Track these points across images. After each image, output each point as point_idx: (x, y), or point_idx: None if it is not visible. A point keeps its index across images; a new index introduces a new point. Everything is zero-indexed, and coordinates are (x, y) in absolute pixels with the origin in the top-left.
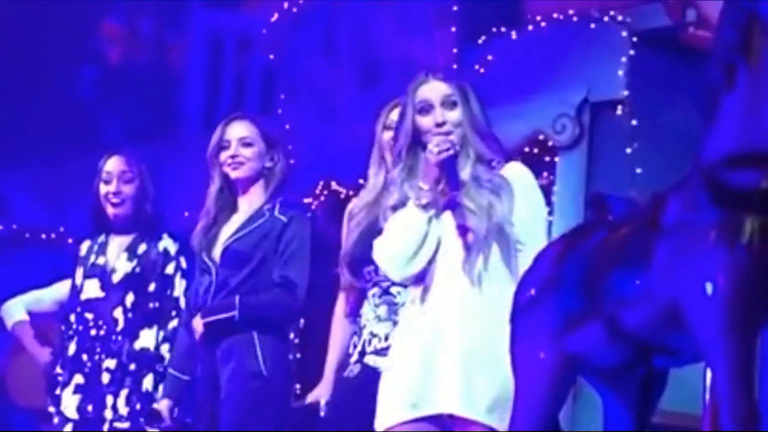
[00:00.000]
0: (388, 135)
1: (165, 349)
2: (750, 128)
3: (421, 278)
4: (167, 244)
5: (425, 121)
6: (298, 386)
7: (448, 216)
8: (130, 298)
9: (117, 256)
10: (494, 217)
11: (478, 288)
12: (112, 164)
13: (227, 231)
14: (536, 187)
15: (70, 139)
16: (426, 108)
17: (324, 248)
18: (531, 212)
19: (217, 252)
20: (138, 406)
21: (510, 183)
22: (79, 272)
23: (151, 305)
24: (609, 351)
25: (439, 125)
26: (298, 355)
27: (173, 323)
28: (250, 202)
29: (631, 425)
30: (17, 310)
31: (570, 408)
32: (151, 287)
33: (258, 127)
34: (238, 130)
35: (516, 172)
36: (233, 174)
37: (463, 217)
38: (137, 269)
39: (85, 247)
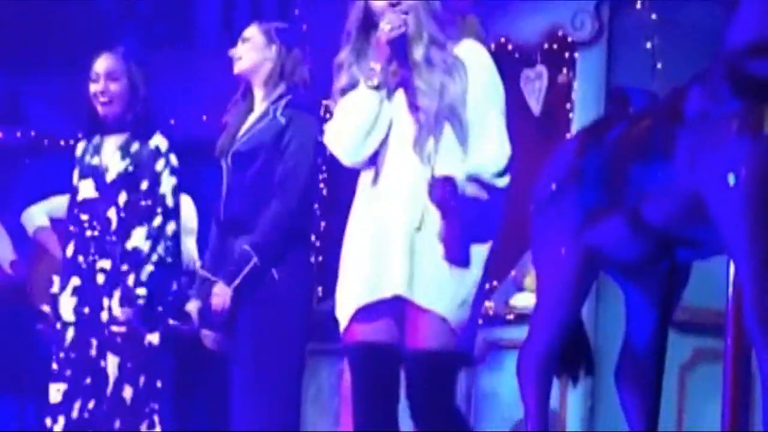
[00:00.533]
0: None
1: (148, 245)
2: None
3: (372, 161)
4: (158, 141)
5: (378, 1)
6: (320, 289)
7: (399, 96)
8: (122, 198)
9: (111, 156)
10: (446, 97)
11: (427, 167)
12: (100, 64)
13: (240, 133)
14: (491, 67)
15: (88, 47)
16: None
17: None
18: (484, 92)
19: (230, 157)
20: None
21: (464, 64)
22: (75, 173)
23: (142, 203)
24: (631, 245)
25: (393, 4)
26: (320, 258)
27: (158, 220)
28: (260, 100)
29: (654, 320)
30: (38, 216)
31: (593, 304)
32: (143, 185)
33: (260, 26)
34: (244, 33)
35: (470, 50)
36: (235, 69)
37: (414, 97)
38: (130, 168)
39: (80, 147)
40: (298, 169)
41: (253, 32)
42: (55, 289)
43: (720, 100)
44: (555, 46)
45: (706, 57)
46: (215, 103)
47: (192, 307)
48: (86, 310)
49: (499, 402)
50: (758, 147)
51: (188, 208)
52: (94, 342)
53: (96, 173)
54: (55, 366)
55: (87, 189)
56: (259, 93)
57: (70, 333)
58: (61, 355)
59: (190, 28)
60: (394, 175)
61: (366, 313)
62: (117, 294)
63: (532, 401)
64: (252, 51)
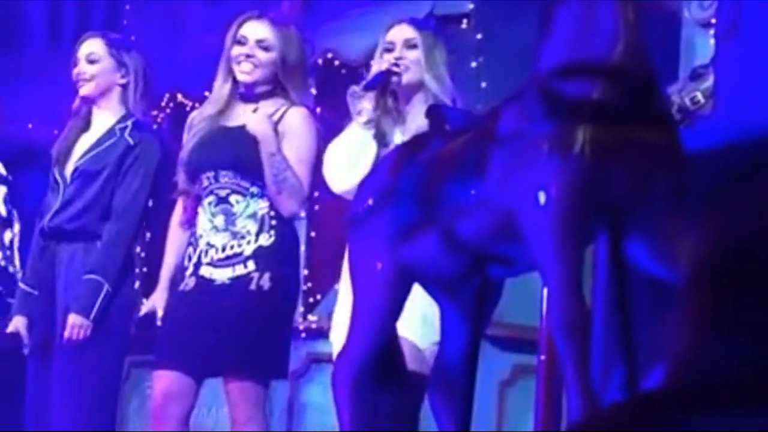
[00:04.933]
0: (237, 49)
1: None
2: (582, 39)
3: None
4: None
5: (386, 57)
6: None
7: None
8: None
9: None
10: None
11: None
12: None
13: (79, 150)
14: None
15: None
16: (389, 48)
17: (172, 160)
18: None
19: (68, 170)
20: None
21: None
22: None
23: None
24: (444, 260)
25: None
26: (145, 269)
27: None
28: (102, 120)
29: (466, 335)
30: None
31: None
32: None
33: (107, 44)
34: (86, 47)
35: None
36: (81, 91)
37: None
38: None
39: None
40: (139, 195)
41: (100, 52)
42: None
43: (533, 120)
44: None
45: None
46: (41, 110)
47: (19, 323)
48: None
49: (322, 415)
50: (568, 166)
51: None
52: None
53: None
54: None
55: None
56: (101, 113)
57: None
58: None
59: (15, 33)
60: None
61: None
62: None
63: (346, 413)
64: (101, 76)
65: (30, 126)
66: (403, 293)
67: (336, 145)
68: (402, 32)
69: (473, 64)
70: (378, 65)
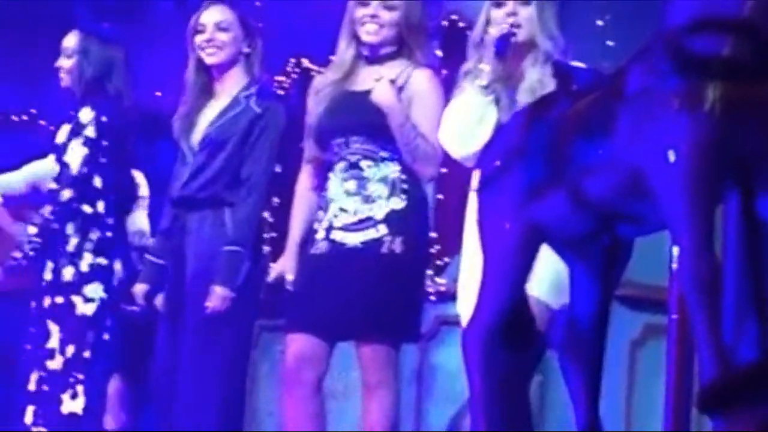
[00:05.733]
0: (361, 11)
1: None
2: None
3: None
4: (83, 114)
5: (496, 14)
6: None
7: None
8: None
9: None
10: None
11: None
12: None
13: (205, 118)
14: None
15: (40, 20)
16: (500, 3)
17: (298, 126)
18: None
19: (195, 139)
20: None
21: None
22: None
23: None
24: (573, 220)
25: (510, 15)
26: (273, 234)
27: (66, 194)
28: (227, 88)
29: (597, 294)
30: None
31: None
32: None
33: (235, 12)
34: (215, 14)
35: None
36: (209, 59)
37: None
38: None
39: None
40: (269, 165)
41: (230, 19)
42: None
43: (661, 77)
44: None
45: None
46: (167, 78)
47: (139, 290)
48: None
49: (450, 378)
50: (698, 123)
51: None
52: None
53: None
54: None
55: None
56: (225, 80)
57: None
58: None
59: (144, 1)
60: None
61: None
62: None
63: (476, 376)
64: (233, 44)
65: (158, 93)
66: (532, 253)
67: (453, 109)
68: None
69: (599, 23)
70: (488, 21)
